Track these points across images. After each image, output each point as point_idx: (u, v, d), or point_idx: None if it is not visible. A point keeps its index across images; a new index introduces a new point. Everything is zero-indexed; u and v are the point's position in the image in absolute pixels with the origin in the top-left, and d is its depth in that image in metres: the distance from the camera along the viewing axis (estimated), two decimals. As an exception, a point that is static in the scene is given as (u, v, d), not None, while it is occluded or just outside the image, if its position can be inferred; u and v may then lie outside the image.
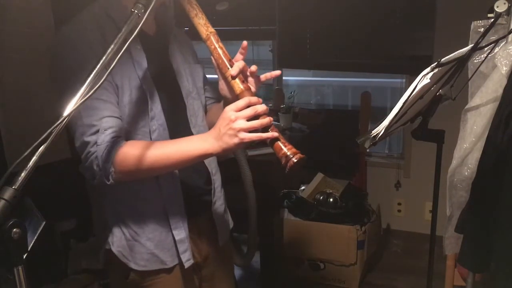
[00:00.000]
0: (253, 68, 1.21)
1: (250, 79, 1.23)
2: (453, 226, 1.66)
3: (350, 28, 3.32)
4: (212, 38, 1.18)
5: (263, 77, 1.24)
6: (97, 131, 1.14)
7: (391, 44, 3.29)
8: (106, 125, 1.14)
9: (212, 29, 1.19)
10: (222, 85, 1.25)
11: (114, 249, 1.30)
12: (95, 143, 1.13)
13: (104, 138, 1.13)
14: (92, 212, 1.38)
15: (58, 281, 2.67)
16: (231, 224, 1.57)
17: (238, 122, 1.09)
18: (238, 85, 1.16)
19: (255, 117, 1.11)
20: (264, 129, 1.11)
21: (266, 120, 1.11)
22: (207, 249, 1.45)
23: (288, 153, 1.09)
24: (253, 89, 1.21)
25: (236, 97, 1.17)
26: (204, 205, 1.42)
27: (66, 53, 1.17)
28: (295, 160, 1.08)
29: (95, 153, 1.13)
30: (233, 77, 1.16)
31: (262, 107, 1.12)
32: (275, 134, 1.10)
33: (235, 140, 1.10)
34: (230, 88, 1.20)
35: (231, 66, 1.17)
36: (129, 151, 1.15)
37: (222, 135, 1.11)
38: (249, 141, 1.11)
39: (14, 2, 2.53)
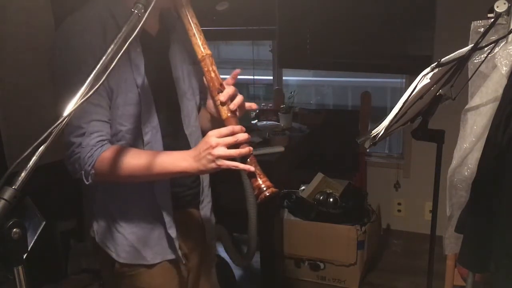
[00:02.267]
0: (239, 99, 1.23)
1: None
2: (453, 226, 1.66)
3: (350, 28, 3.32)
4: (207, 60, 1.22)
5: (247, 106, 1.28)
6: (84, 134, 1.18)
7: (391, 44, 3.30)
8: (93, 129, 1.19)
9: (208, 51, 1.23)
10: (210, 104, 1.31)
11: (98, 238, 1.34)
12: (80, 144, 1.18)
13: (89, 141, 1.18)
14: (83, 200, 1.42)
15: (58, 281, 2.67)
16: (214, 221, 1.60)
17: (218, 149, 1.13)
18: (225, 111, 1.21)
19: (236, 145, 1.15)
20: (244, 157, 1.16)
21: (245, 150, 1.15)
22: (193, 241, 1.47)
23: (262, 186, 1.14)
24: (239, 114, 1.25)
25: (222, 121, 1.22)
26: (191, 202, 1.45)
27: (65, 56, 1.18)
28: (267, 194, 1.13)
29: (78, 154, 1.18)
30: (222, 104, 1.21)
31: (243, 136, 1.16)
32: (251, 168, 1.15)
33: (213, 165, 1.15)
34: (217, 111, 1.24)
35: (221, 91, 1.21)
36: (111, 157, 1.18)
37: (201, 158, 1.15)
38: (226, 168, 1.15)
39: (14, 2, 2.53)
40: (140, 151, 1.25)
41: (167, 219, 1.34)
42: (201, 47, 1.22)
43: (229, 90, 1.21)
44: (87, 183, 1.19)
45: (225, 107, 1.21)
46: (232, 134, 1.15)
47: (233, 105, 1.22)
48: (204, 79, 1.24)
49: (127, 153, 1.20)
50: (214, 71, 1.22)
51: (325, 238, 2.90)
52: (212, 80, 1.21)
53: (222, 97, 1.20)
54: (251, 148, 1.17)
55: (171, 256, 1.38)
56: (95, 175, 1.18)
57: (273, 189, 1.14)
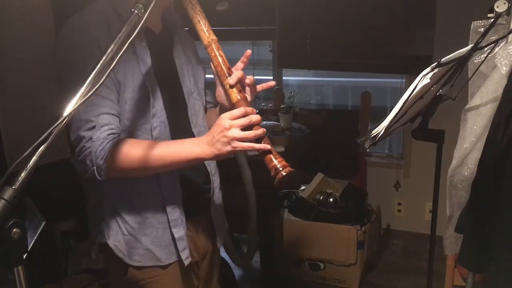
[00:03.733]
0: (249, 79, 1.23)
1: (247, 88, 1.25)
2: (453, 226, 1.66)
3: (350, 28, 3.32)
4: (213, 45, 1.20)
5: (259, 87, 1.26)
6: (94, 127, 1.15)
7: (391, 44, 3.29)
8: (103, 122, 1.16)
9: (213, 37, 1.21)
10: (219, 92, 1.28)
11: (110, 243, 1.31)
12: (90, 138, 1.15)
13: (99, 134, 1.15)
14: (87, 204, 1.39)
15: (58, 281, 2.67)
16: (227, 226, 1.58)
17: (232, 130, 1.11)
18: (235, 94, 1.19)
19: (249, 127, 1.13)
20: (258, 139, 1.13)
21: (259, 131, 1.13)
22: (205, 247, 1.46)
23: (278, 166, 1.11)
24: (249, 98, 1.23)
25: (232, 106, 1.19)
26: (203, 204, 1.43)
27: (71, 50, 1.18)
28: (284, 174, 1.10)
29: (89, 148, 1.15)
30: (231, 86, 1.18)
31: (256, 118, 1.14)
32: (268, 146, 1.13)
33: (228, 148, 1.13)
34: (227, 95, 1.22)
35: (230, 75, 1.19)
36: (123, 149, 1.16)
37: (215, 142, 1.13)
38: (241, 150, 1.13)
39: (14, 2, 2.53)
40: (152, 141, 1.23)
41: (173, 217, 1.32)
42: (206, 33, 1.20)
43: (237, 73, 1.19)
44: (99, 179, 1.16)
45: (234, 90, 1.18)
46: (245, 115, 1.13)
47: (248, 79, 1.20)
48: (211, 65, 1.22)
49: (138, 145, 1.19)
50: (221, 56, 1.20)
51: (325, 238, 2.90)
52: (220, 65, 1.20)
53: (231, 80, 1.18)
54: (264, 129, 1.15)
55: (185, 255, 1.36)
56: (107, 169, 1.16)
57: (290, 169, 1.11)
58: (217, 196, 1.47)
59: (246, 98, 1.20)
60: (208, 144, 1.15)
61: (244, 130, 1.12)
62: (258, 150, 1.13)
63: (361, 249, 2.89)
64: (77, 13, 1.23)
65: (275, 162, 1.12)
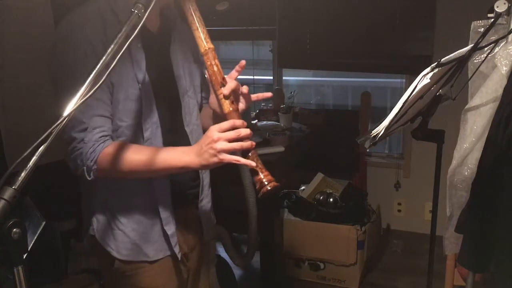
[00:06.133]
0: (244, 89, 1.23)
1: (241, 98, 1.25)
2: (453, 226, 1.66)
3: (350, 28, 3.32)
4: (209, 54, 1.21)
5: (254, 96, 1.27)
6: (86, 129, 1.17)
7: (391, 44, 3.30)
8: (95, 124, 1.18)
9: (211, 45, 1.21)
10: (212, 99, 1.29)
11: (98, 236, 1.33)
12: (82, 140, 1.17)
13: (91, 137, 1.17)
14: (81, 198, 1.41)
15: (58, 281, 2.67)
16: (214, 221, 1.60)
17: (220, 143, 1.12)
18: (227, 105, 1.19)
19: (238, 139, 1.14)
20: (245, 152, 1.15)
21: (247, 144, 1.14)
22: (193, 240, 1.48)
23: (264, 180, 1.13)
24: (242, 106, 1.24)
25: (224, 115, 1.20)
26: (191, 199, 1.45)
27: (65, 49, 1.18)
28: (269, 188, 1.12)
29: (80, 149, 1.17)
30: (225, 97, 1.19)
31: (245, 131, 1.15)
32: (252, 163, 1.14)
33: (215, 159, 1.14)
34: (220, 104, 1.22)
35: (224, 85, 1.19)
36: (113, 153, 1.18)
37: (203, 153, 1.15)
38: (228, 162, 1.14)
39: (14, 2, 2.53)
40: (142, 146, 1.25)
41: (164, 215, 1.34)
42: (204, 41, 1.21)
43: (231, 84, 1.20)
44: (89, 178, 1.19)
45: (227, 101, 1.19)
46: (234, 128, 1.14)
47: (243, 89, 1.21)
48: (206, 73, 1.23)
49: (129, 149, 1.20)
50: (216, 65, 1.21)
51: (325, 238, 2.90)
52: (215, 74, 1.20)
53: (225, 90, 1.18)
54: (253, 142, 1.15)
55: (177, 250, 1.38)
56: (97, 170, 1.18)
57: (275, 183, 1.13)
58: (206, 193, 1.50)
59: (237, 109, 1.21)
60: (196, 154, 1.16)
61: (233, 141, 1.14)
62: (243, 164, 1.15)
63: (361, 249, 2.89)
64: (73, 10, 1.23)
65: (261, 175, 1.14)
